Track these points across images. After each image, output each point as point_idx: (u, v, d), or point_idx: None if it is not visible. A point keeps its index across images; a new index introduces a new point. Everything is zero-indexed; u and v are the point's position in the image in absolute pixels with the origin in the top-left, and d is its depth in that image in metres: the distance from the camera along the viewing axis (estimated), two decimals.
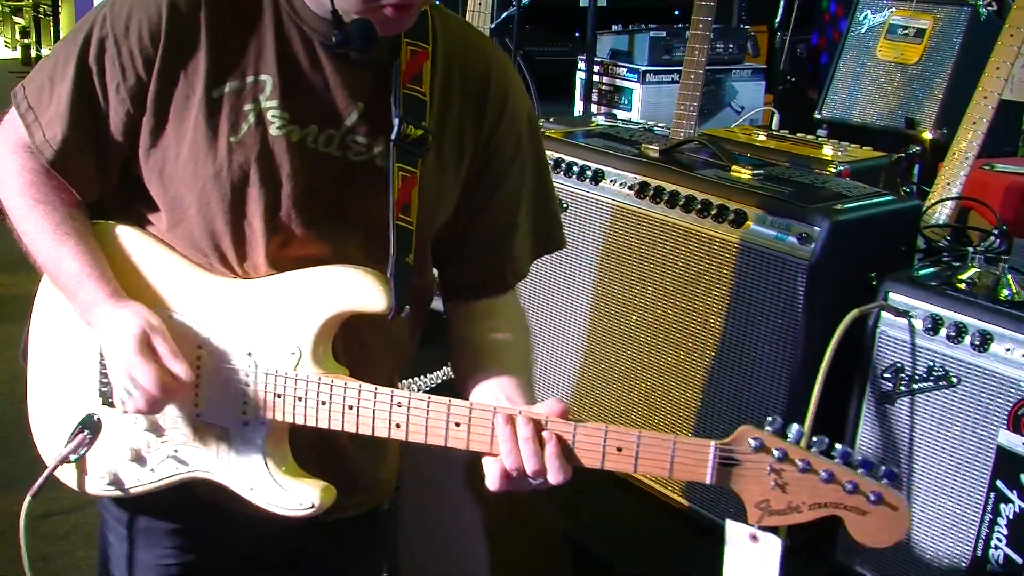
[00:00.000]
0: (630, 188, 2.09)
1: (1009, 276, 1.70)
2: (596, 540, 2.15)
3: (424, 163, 1.52)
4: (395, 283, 1.49)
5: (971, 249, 1.83)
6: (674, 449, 1.38)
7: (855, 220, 1.88)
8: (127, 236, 1.56)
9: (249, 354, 1.51)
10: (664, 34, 3.85)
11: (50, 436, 1.63)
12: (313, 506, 1.53)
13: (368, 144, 1.51)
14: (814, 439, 1.41)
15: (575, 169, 2.20)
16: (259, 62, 1.48)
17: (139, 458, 1.57)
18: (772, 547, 1.51)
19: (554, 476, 1.38)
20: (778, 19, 5.49)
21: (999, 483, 1.63)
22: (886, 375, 1.75)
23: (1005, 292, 1.68)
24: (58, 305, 1.60)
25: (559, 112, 4.77)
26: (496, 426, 1.40)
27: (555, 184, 2.19)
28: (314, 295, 1.50)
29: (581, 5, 4.03)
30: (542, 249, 1.71)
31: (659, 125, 3.09)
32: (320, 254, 1.51)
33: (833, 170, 2.67)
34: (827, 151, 2.83)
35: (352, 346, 1.56)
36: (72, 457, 1.58)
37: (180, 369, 1.44)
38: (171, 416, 1.54)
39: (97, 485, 1.60)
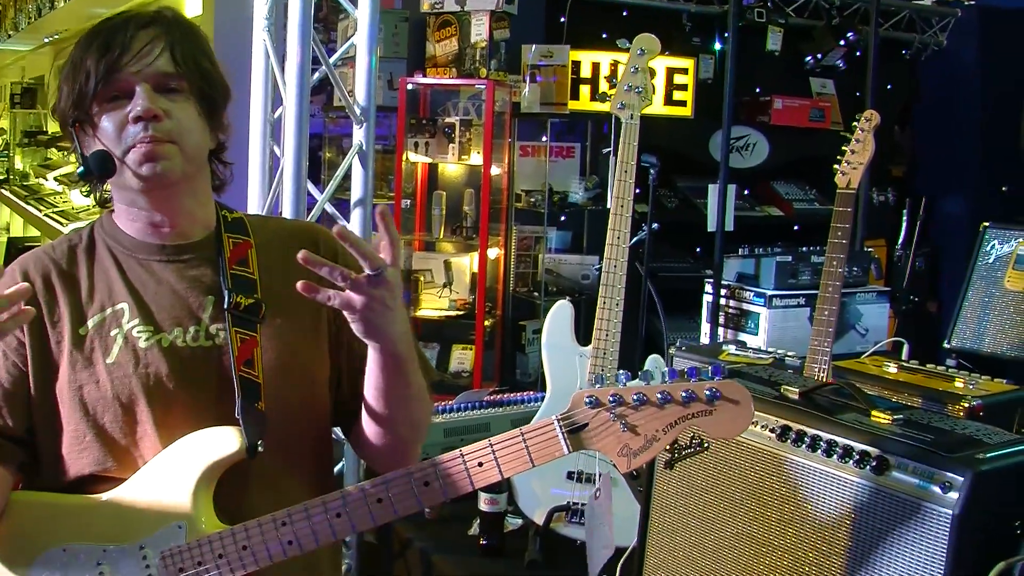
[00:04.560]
0: (771, 431, 2.15)
1: None
2: None
3: (263, 326, 1.75)
4: (245, 425, 1.65)
5: None
6: (525, 440, 1.49)
7: (997, 470, 1.90)
8: (15, 505, 1.69)
9: (141, 547, 1.63)
10: (790, 258, 3.94)
11: None
12: None
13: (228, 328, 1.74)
14: (640, 372, 1.50)
15: None
16: (112, 295, 1.74)
17: None
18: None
19: None
20: (900, 239, 5.59)
21: None
22: None
23: None
24: None
25: (683, 328, 4.88)
26: None
27: None
28: (175, 468, 1.64)
29: (709, 230, 4.16)
30: None
31: (788, 354, 3.15)
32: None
33: (966, 405, 2.69)
34: (959, 384, 2.85)
35: (231, 506, 1.68)
36: None
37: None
38: None
39: None
